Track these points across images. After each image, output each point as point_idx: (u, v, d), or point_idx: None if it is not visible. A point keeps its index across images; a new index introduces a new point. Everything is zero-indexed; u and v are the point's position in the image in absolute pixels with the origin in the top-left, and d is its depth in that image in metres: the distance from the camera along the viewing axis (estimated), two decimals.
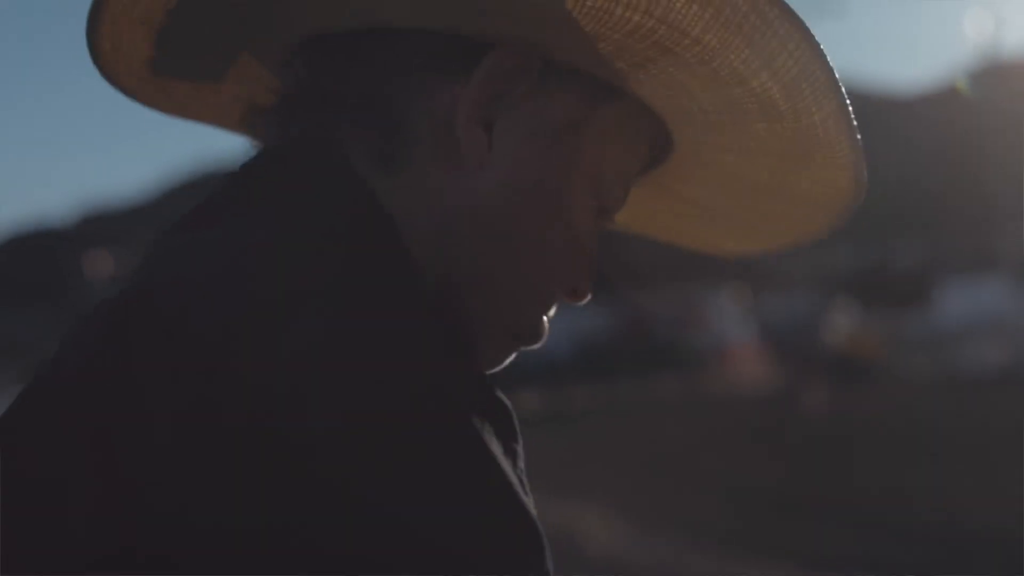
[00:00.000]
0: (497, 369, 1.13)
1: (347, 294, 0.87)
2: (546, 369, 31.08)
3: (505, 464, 0.85)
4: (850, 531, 10.09)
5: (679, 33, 0.98)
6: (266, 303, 0.85)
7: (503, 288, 1.06)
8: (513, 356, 1.14)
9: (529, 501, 0.86)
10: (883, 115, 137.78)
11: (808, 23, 0.97)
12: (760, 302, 41.27)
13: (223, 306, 0.85)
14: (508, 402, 0.91)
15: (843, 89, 1.02)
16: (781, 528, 10.40)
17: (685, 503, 11.97)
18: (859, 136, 1.07)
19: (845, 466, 13.69)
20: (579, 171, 1.07)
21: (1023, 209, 40.18)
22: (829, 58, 1.00)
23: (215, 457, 0.80)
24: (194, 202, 1.02)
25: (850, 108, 1.04)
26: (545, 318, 1.12)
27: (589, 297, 1.15)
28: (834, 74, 1.01)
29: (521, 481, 0.88)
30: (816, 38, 0.99)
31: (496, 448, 0.85)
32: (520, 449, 0.91)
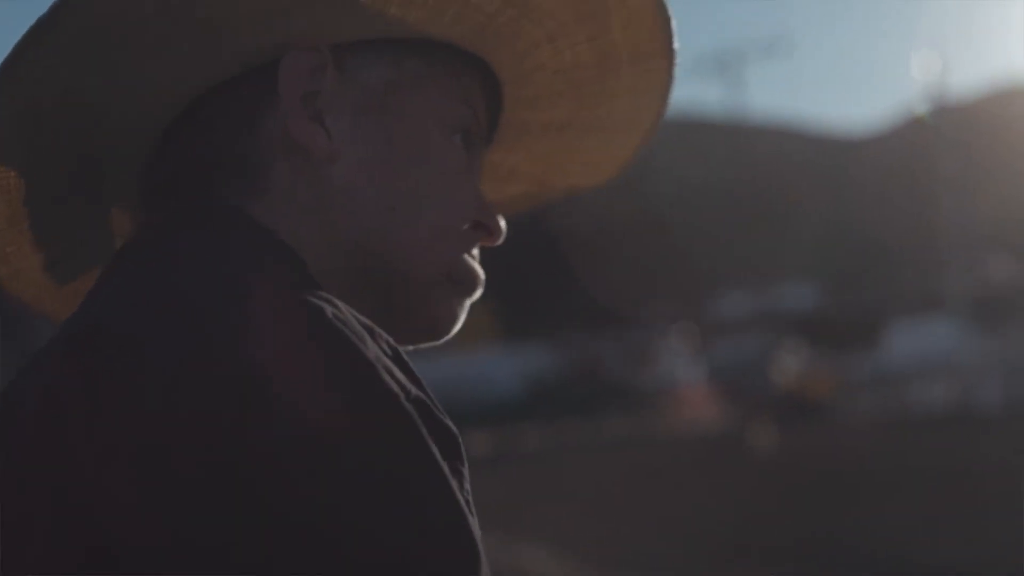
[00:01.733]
0: (456, 327, 1.19)
1: (285, 319, 0.90)
2: (496, 409, 31.10)
3: (452, 479, 0.87)
4: (799, 569, 10.12)
5: None
6: (211, 331, 0.87)
7: (407, 245, 1.12)
8: (466, 308, 1.19)
9: (474, 521, 0.89)
10: (831, 156, 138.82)
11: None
12: (710, 342, 41.41)
13: (172, 337, 0.87)
14: (454, 427, 0.93)
15: None
16: (731, 566, 10.41)
17: (635, 542, 11.98)
18: None
19: (794, 505, 13.74)
20: (418, 119, 1.13)
21: (969, 250, 40.55)
22: None
23: (173, 476, 0.82)
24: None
25: None
26: (472, 261, 1.17)
27: (503, 234, 1.20)
28: None
29: (468, 502, 0.90)
30: None
31: (446, 468, 0.88)
32: (466, 472, 0.93)
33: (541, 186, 1.42)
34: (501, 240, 1.20)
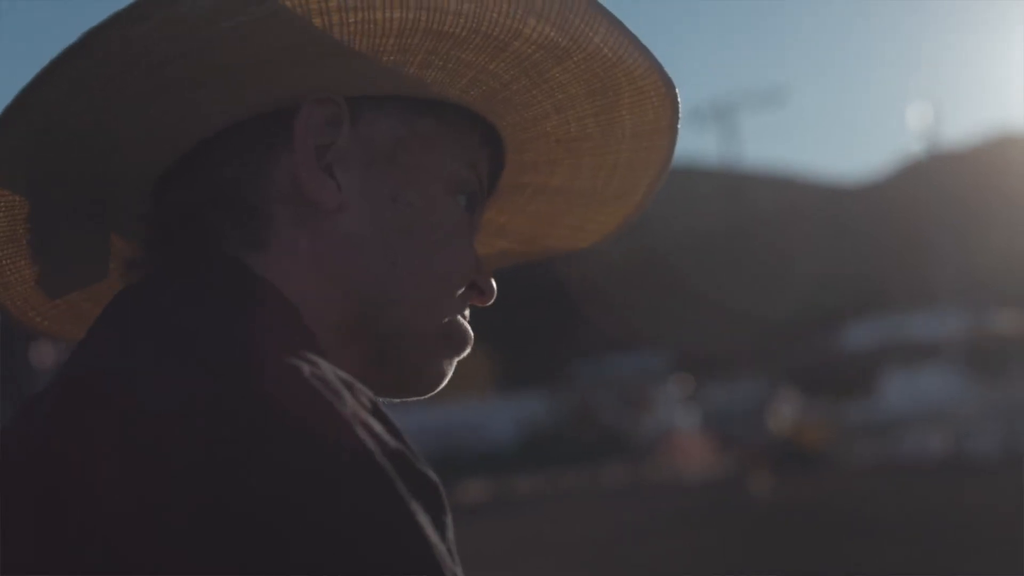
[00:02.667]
0: (443, 383, 1.20)
1: (262, 380, 0.90)
2: (491, 457, 31.05)
3: (432, 534, 0.88)
4: None
5: (440, 12, 1.06)
6: (192, 389, 0.88)
7: (407, 300, 1.13)
8: (454, 366, 1.20)
9: (456, 569, 0.89)
10: (826, 204, 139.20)
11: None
12: (706, 389, 41.37)
13: (157, 389, 0.89)
14: (435, 477, 0.93)
15: (604, 5, 1.10)
16: None
17: None
18: (644, 48, 1.14)
19: (791, 553, 13.70)
20: (425, 177, 1.15)
21: (965, 298, 40.60)
22: None
23: (161, 514, 0.84)
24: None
25: (623, 23, 1.11)
26: (463, 321, 1.19)
27: (494, 295, 1.22)
28: None
29: (450, 551, 0.91)
30: None
31: (424, 519, 0.88)
32: (449, 521, 0.93)
33: (528, 244, 1.44)
34: (491, 301, 1.22)
